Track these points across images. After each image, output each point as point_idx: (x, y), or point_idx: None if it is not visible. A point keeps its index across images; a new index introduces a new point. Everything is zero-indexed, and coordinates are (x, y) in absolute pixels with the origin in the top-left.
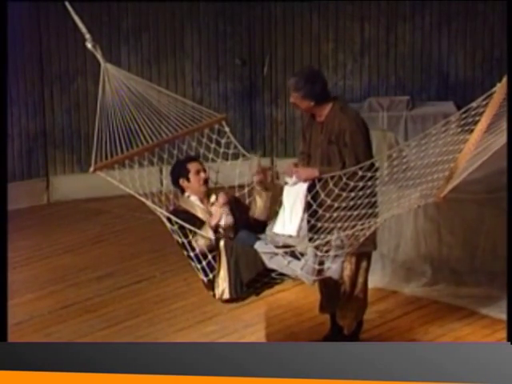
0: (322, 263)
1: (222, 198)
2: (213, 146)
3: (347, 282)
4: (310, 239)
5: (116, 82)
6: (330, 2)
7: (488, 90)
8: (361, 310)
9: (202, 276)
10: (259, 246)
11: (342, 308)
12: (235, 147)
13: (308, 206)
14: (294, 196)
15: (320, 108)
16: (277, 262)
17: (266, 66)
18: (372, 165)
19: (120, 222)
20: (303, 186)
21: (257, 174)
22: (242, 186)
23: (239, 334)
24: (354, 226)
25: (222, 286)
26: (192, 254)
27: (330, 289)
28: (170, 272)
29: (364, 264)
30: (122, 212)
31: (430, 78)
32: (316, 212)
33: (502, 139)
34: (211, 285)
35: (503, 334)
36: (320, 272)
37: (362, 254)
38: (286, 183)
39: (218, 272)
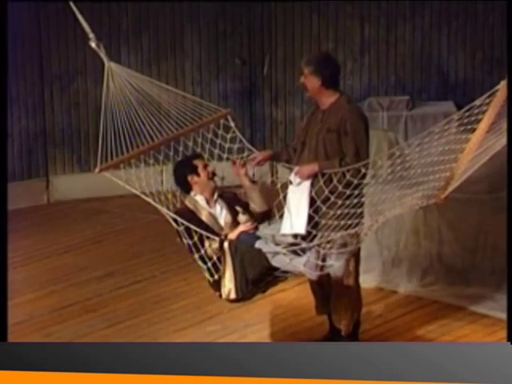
0: (324, 259)
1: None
2: (218, 141)
3: (337, 283)
4: (313, 236)
5: (120, 80)
6: (330, 2)
7: (488, 89)
8: (356, 310)
9: (207, 276)
10: (260, 246)
11: (336, 310)
12: (240, 141)
13: (311, 203)
14: (299, 194)
15: (326, 93)
16: (279, 260)
17: (266, 65)
18: (372, 163)
19: (120, 222)
20: (307, 184)
21: (241, 168)
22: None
23: (239, 334)
24: (357, 225)
25: (229, 286)
26: (197, 256)
27: (323, 290)
28: (170, 272)
29: (352, 263)
30: (122, 212)
31: (430, 78)
32: (319, 208)
33: (504, 140)
34: (217, 285)
35: (503, 333)
36: (323, 267)
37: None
38: (290, 182)
39: (224, 273)
